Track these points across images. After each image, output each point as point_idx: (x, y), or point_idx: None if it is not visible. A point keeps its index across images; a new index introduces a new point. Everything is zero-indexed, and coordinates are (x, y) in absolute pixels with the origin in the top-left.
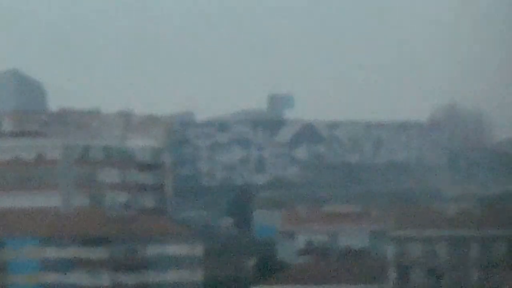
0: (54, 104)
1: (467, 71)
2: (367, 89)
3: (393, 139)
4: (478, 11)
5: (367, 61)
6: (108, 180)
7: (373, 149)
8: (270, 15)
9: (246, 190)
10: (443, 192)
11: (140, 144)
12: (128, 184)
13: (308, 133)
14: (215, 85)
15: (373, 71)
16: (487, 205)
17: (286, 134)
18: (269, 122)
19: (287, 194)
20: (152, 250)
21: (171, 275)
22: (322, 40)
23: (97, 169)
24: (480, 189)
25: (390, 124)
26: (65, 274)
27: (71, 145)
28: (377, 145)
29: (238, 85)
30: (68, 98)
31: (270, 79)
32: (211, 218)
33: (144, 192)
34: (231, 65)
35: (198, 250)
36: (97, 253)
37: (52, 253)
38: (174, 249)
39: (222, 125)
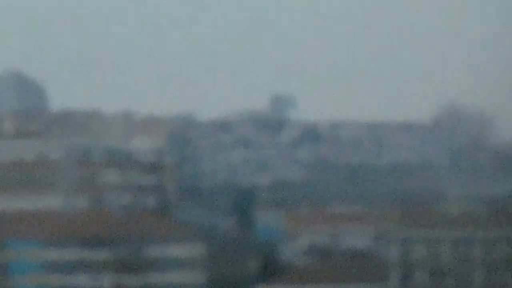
0: (55, 105)
1: (470, 72)
2: (370, 89)
3: (396, 140)
4: (482, 11)
5: (370, 61)
6: (109, 181)
7: (376, 150)
8: (273, 15)
9: (248, 191)
10: (446, 193)
11: (142, 144)
12: (130, 185)
13: (311, 133)
14: (217, 85)
15: (376, 72)
16: (491, 206)
17: (289, 134)
18: (271, 123)
19: (289, 195)
20: (155, 251)
21: (174, 276)
22: (325, 40)
23: (98, 170)
24: (483, 189)
25: (393, 124)
26: (67, 275)
27: (73, 146)
28: (380, 146)
29: (241, 86)
30: (70, 99)
31: (272, 79)
32: (213, 219)
33: (146, 193)
34: (234, 65)
35: (200, 251)
36: (99, 254)
37: (54, 254)
38: (176, 250)
39: (224, 126)
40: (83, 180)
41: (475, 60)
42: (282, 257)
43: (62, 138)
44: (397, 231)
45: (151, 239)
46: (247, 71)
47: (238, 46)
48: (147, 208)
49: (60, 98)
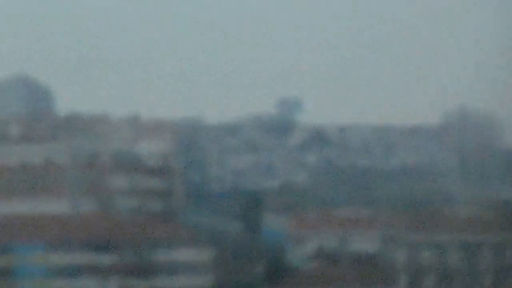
0: (62, 109)
1: (478, 75)
2: (378, 93)
3: (404, 143)
4: (490, 13)
5: (379, 65)
6: (116, 185)
7: (384, 153)
8: (279, 19)
9: (255, 195)
10: (454, 196)
11: (149, 148)
12: (137, 189)
13: (318, 137)
14: (225, 88)
15: (383, 75)
16: (499, 210)
17: (296, 138)
18: (279, 126)
19: (297, 198)
20: (162, 255)
21: (181, 280)
22: (333, 43)
23: (105, 174)
24: (491, 193)
25: (401, 128)
26: (74, 279)
27: (80, 150)
28: (388, 149)
29: (248, 89)
30: (77, 103)
31: (280, 82)
32: (220, 222)
33: (153, 197)
34: (241, 69)
35: (207, 255)
36: (106, 258)
37: (60, 258)
38: (183, 254)
39: (231, 129)
40: (90, 184)
41: (484, 64)
42: (289, 261)
43: (69, 142)
44: (405, 235)
45: (158, 243)
46: (254, 74)
47: (246, 49)
48: (154, 212)
49: (67, 102)
